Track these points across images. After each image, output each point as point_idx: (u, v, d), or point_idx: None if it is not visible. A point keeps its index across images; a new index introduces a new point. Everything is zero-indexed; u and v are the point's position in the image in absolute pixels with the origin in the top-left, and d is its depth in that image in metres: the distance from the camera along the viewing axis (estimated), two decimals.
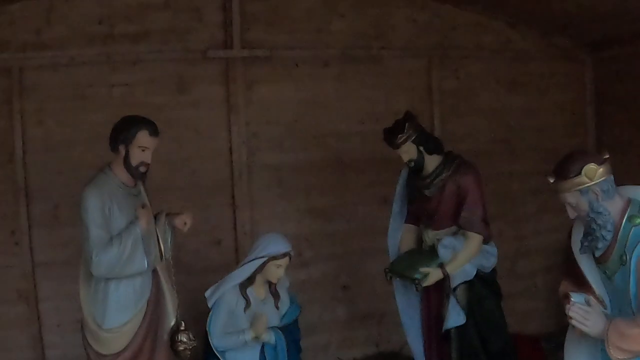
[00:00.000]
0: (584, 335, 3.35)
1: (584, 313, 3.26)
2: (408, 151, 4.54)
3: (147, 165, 3.77)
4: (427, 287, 4.67)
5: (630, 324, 3.14)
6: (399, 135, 4.49)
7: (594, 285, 3.43)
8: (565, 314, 3.32)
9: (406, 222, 4.85)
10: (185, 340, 3.99)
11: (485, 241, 4.59)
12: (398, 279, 4.73)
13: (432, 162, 4.60)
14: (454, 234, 4.59)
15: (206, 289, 4.52)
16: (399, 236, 4.84)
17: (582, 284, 3.49)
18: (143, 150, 3.73)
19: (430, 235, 4.68)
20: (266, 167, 5.46)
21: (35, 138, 5.22)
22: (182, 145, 5.27)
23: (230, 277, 4.42)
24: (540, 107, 6.12)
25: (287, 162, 5.53)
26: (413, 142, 4.52)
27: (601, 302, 3.41)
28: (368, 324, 5.74)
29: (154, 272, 3.85)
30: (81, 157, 5.21)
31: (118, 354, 3.73)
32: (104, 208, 3.66)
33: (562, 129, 6.09)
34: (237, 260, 5.36)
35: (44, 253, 5.29)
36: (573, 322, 3.25)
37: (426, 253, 4.66)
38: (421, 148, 4.55)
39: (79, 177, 5.17)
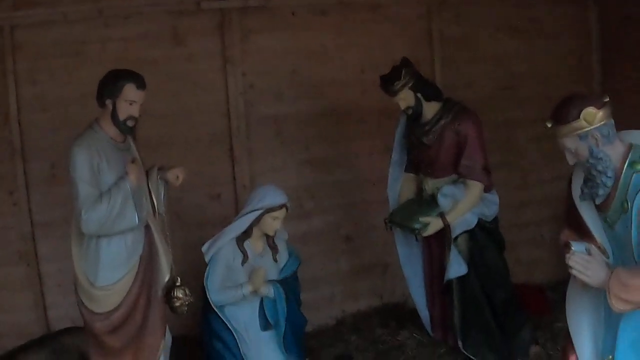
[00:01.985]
0: (585, 285, 3.26)
1: (584, 262, 3.11)
2: (405, 98, 4.40)
3: (134, 119, 3.64)
4: (428, 238, 4.59)
5: (632, 273, 2.99)
6: (396, 82, 4.35)
7: (595, 234, 3.27)
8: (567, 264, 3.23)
9: (405, 171, 4.75)
10: (181, 296, 3.90)
11: (487, 189, 4.47)
12: (398, 229, 4.64)
13: (430, 109, 4.46)
14: (454, 182, 4.47)
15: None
16: (399, 186, 4.73)
17: (583, 233, 3.34)
18: (130, 104, 3.58)
19: (430, 184, 4.56)
20: (264, 119, 5.29)
21: (30, 97, 5.03)
22: (179, 99, 5.10)
23: (227, 231, 4.32)
24: (544, 54, 5.89)
25: (285, 113, 5.35)
26: (410, 88, 4.38)
27: (603, 251, 3.28)
28: (372, 276, 5.62)
29: (147, 227, 3.74)
30: (77, 115, 5.00)
31: (112, 311, 3.64)
32: (92, 164, 3.53)
33: (566, 76, 5.87)
34: (236, 214, 5.25)
35: (43, 213, 5.15)
36: (573, 271, 3.12)
37: (426, 202, 4.55)
38: (419, 95, 4.41)
39: (75, 135, 5.18)
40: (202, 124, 5.21)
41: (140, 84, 3.61)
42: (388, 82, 4.39)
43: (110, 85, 3.60)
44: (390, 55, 5.13)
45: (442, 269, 4.61)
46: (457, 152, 4.42)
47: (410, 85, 4.37)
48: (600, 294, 3.30)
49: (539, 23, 5.88)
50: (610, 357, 3.24)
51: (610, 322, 3.28)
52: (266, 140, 5.32)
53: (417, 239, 4.50)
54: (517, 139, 5.80)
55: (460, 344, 4.57)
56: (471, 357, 4.57)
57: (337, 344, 5.12)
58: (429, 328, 4.88)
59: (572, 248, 3.16)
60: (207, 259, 4.31)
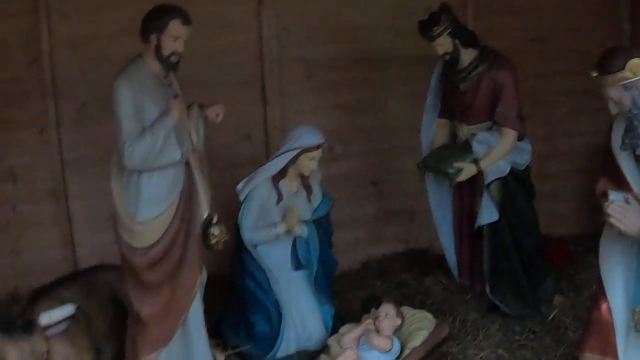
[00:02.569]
0: (620, 235, 3.29)
1: (622, 210, 3.15)
2: (443, 44, 4.37)
3: (179, 55, 3.64)
4: (460, 184, 4.59)
5: None
6: (435, 28, 4.32)
7: (632, 184, 3.32)
8: (601, 213, 3.24)
9: (439, 116, 4.72)
10: (217, 232, 3.92)
11: (520, 137, 4.47)
12: (431, 173, 4.67)
13: (467, 55, 4.43)
14: (489, 129, 4.46)
15: (236, 184, 4.45)
16: (432, 131, 4.73)
17: (620, 183, 3.37)
18: (175, 40, 3.55)
19: (464, 130, 4.55)
20: (297, 62, 5.25)
21: (62, 34, 5.00)
22: (212, 40, 5.06)
23: (263, 170, 4.34)
24: (575, 7, 5.85)
25: (317, 56, 5.30)
26: (448, 34, 4.33)
27: None
28: (397, 222, 5.65)
29: (187, 164, 3.75)
30: (109, 53, 5.02)
31: (151, 246, 3.66)
32: (135, 99, 3.52)
33: (597, 30, 5.82)
34: (267, 155, 5.22)
35: (73, 151, 5.19)
36: (611, 219, 3.15)
37: (460, 148, 4.54)
38: (457, 41, 4.38)
39: (107, 74, 5.08)
40: (234, 65, 5.17)
41: (186, 19, 3.58)
42: (427, 27, 4.35)
43: (155, 20, 3.57)
44: (423, 2, 5.10)
45: (472, 215, 4.64)
46: (492, 100, 4.39)
47: (448, 31, 4.32)
48: (633, 245, 3.37)
49: None
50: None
51: None
52: (297, 83, 5.29)
53: (450, 184, 4.52)
54: (544, 91, 5.76)
55: (487, 289, 4.62)
56: (497, 303, 4.64)
57: (362, 287, 5.16)
58: (455, 274, 4.92)
59: (610, 197, 3.20)
60: (241, 198, 4.33)
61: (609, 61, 3.15)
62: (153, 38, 3.60)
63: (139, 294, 3.77)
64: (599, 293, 3.56)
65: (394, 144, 5.50)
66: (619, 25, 5.95)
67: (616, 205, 3.16)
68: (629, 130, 3.24)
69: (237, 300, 4.50)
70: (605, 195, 3.33)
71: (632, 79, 3.10)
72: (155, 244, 3.67)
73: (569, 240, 5.65)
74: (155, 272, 3.71)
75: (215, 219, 3.92)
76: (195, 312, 3.91)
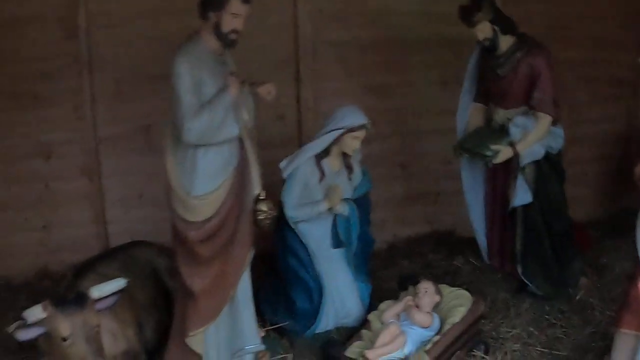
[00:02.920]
0: None
1: None
2: (483, 30, 4.47)
3: (237, 32, 3.70)
4: (493, 167, 4.72)
5: None
6: (476, 14, 4.42)
7: None
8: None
9: (475, 100, 4.83)
10: (265, 209, 3.98)
11: (554, 122, 4.60)
12: (467, 155, 4.79)
13: (505, 41, 4.53)
14: (524, 113, 4.59)
15: (269, 164, 4.51)
16: (467, 114, 4.85)
17: None
18: (235, 17, 3.63)
19: (500, 114, 4.66)
20: (330, 44, 5.32)
21: (98, 12, 5.04)
22: (247, 20, 5.16)
23: (306, 149, 4.41)
24: None
25: (350, 39, 5.38)
26: (489, 21, 4.45)
27: None
28: (423, 203, 5.76)
29: (240, 140, 3.84)
30: (145, 30, 5.08)
31: (206, 221, 3.72)
32: (194, 75, 3.55)
33: (618, 19, 5.97)
34: (300, 135, 5.33)
35: (107, 128, 5.24)
36: None
37: (496, 131, 4.65)
38: (496, 27, 4.49)
39: (142, 52, 5.19)
40: (269, 46, 5.22)
41: None
42: (468, 13, 4.44)
43: None
44: None
45: (505, 197, 4.76)
46: (529, 85, 4.51)
47: (489, 18, 4.43)
48: None
49: None
50: None
51: None
52: (330, 64, 5.36)
53: (487, 166, 4.64)
54: (567, 78, 5.88)
55: (519, 269, 4.76)
56: (528, 283, 4.78)
57: (390, 267, 5.27)
58: (485, 255, 5.04)
59: None
60: (284, 175, 4.40)
61: None
62: (212, 15, 3.64)
63: (191, 269, 3.83)
64: (636, 272, 3.70)
65: (421, 127, 5.60)
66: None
67: None
68: None
69: (275, 278, 4.59)
70: None
71: None
72: (210, 219, 3.74)
73: (588, 225, 5.79)
74: (208, 246, 3.78)
75: (262, 196, 3.99)
76: (244, 287, 3.99)
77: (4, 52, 5.02)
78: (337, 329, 4.53)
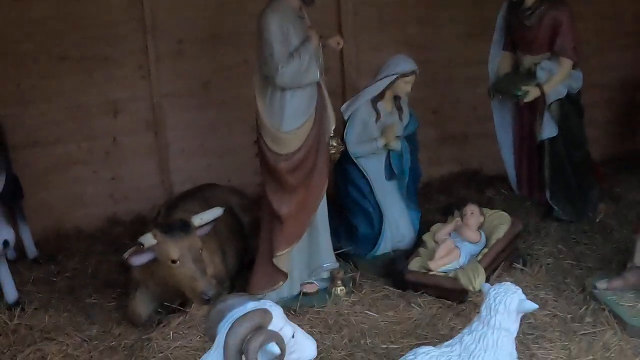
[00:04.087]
0: None
1: None
2: None
3: None
4: (520, 106, 5.75)
5: None
6: None
7: None
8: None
9: (503, 49, 5.84)
10: (335, 144, 4.95)
11: (574, 66, 5.61)
12: (500, 96, 5.78)
13: None
14: (549, 58, 5.60)
15: None
16: (498, 61, 5.85)
17: None
18: None
19: (528, 60, 5.66)
20: (367, 3, 6.25)
21: None
22: None
23: (364, 93, 5.36)
24: None
25: None
26: None
27: None
28: (454, 145, 6.77)
29: (317, 84, 4.76)
30: None
31: (294, 152, 4.64)
32: (282, 28, 4.45)
33: None
34: (342, 87, 6.29)
35: (169, 85, 6.11)
36: None
37: (524, 75, 5.66)
38: None
39: (201, 14, 6.08)
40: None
41: None
42: None
43: None
44: None
45: (531, 133, 5.80)
46: (552, 34, 5.50)
47: None
48: None
49: None
50: None
51: None
52: (369, 21, 6.29)
53: (519, 104, 5.64)
54: (579, 30, 6.87)
55: (548, 194, 5.79)
56: (555, 207, 5.81)
57: (428, 202, 6.24)
58: (514, 185, 6.09)
59: None
60: (345, 117, 5.35)
61: None
62: None
63: (279, 196, 4.76)
64: None
65: (451, 76, 6.55)
66: None
67: None
68: None
69: (336, 209, 5.54)
70: None
71: None
72: (297, 150, 4.66)
73: (600, 163, 6.81)
74: (294, 175, 4.71)
75: (331, 133, 4.93)
76: (322, 212, 4.95)
77: (73, 18, 5.87)
78: (394, 251, 5.51)
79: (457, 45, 6.54)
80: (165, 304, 4.89)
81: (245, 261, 5.39)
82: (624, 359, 4.23)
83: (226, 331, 2.98)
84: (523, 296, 3.75)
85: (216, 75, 6.17)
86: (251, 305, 3.10)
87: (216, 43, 6.07)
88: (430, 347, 3.80)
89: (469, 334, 3.76)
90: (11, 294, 5.14)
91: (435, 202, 6.25)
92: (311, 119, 4.70)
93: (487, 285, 3.87)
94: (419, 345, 4.07)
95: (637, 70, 7.07)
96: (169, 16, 6.00)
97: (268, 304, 3.13)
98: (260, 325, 3.00)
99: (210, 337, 3.23)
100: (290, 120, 4.64)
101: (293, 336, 3.13)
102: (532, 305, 3.72)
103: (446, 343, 3.85)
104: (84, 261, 5.78)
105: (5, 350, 4.65)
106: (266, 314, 3.04)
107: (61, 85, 5.94)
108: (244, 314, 3.01)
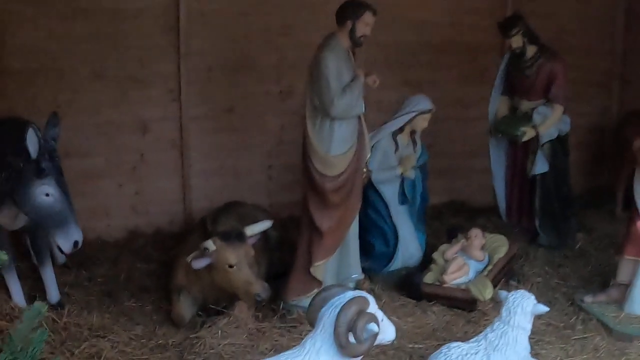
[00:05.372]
0: None
1: None
2: (517, 41, 6.73)
3: (365, 37, 5.70)
4: (514, 145, 7.01)
5: None
6: (513, 29, 6.69)
7: None
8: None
9: (502, 94, 7.11)
10: (365, 170, 6.06)
11: (564, 112, 6.94)
12: (499, 135, 7.03)
13: (531, 50, 6.80)
14: (544, 104, 6.87)
15: None
16: (497, 104, 7.11)
17: None
18: (366, 26, 5.66)
19: (525, 105, 6.94)
20: (375, 45, 7.18)
21: (195, 9, 6.90)
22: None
23: (386, 127, 6.51)
24: (582, 13, 8.32)
25: (392, 42, 7.53)
26: (522, 34, 6.73)
27: None
28: (445, 177, 7.93)
29: (359, 116, 5.82)
30: (233, 28, 7.01)
31: (339, 175, 5.64)
32: (337, 66, 5.49)
33: (594, 32, 8.41)
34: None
35: (196, 109, 7.08)
36: None
37: (522, 118, 6.93)
38: (525, 39, 6.78)
39: (230, 45, 7.10)
40: None
41: (375, 12, 5.66)
42: (507, 28, 6.71)
43: (353, 10, 5.61)
44: (472, 4, 7.47)
45: (523, 168, 7.07)
46: (548, 83, 6.79)
47: (522, 32, 6.71)
48: None
49: None
50: None
51: None
52: (375, 62, 7.38)
53: (517, 142, 6.88)
54: None
55: (537, 223, 7.06)
56: (542, 235, 7.07)
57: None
58: (503, 214, 7.34)
59: None
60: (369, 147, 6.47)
61: None
62: (349, 23, 5.63)
63: (322, 212, 5.75)
64: (634, 213, 5.97)
65: (447, 115, 7.72)
66: (615, 34, 8.58)
67: None
68: None
69: None
70: None
71: None
72: (342, 173, 5.68)
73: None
74: (338, 194, 5.72)
75: (367, 159, 6.01)
76: (354, 228, 5.99)
77: (112, 38, 6.77)
78: (405, 267, 6.61)
79: (452, 88, 7.80)
80: (210, 307, 5.79)
81: (271, 273, 6.34)
82: (612, 357, 5.41)
83: (335, 313, 3.97)
84: (535, 300, 4.92)
85: (239, 102, 7.20)
86: (351, 293, 4.11)
87: (241, 72, 7.11)
88: (460, 343, 4.92)
89: (491, 332, 4.90)
90: (54, 295, 5.93)
91: (429, 228, 7.38)
92: (354, 145, 5.76)
93: (505, 292, 5.03)
94: (440, 345, 5.13)
95: (604, 117, 8.53)
96: (201, 44, 6.99)
97: (364, 293, 4.16)
98: (362, 309, 4.01)
99: (310, 321, 4.21)
100: (338, 145, 5.68)
101: (382, 320, 4.15)
102: (544, 308, 4.90)
103: (472, 339, 4.98)
104: (113, 268, 6.62)
105: (58, 346, 5.37)
106: (366, 300, 4.06)
107: (95, 101, 6.83)
108: (351, 299, 4.01)
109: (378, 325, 4.03)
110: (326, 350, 3.94)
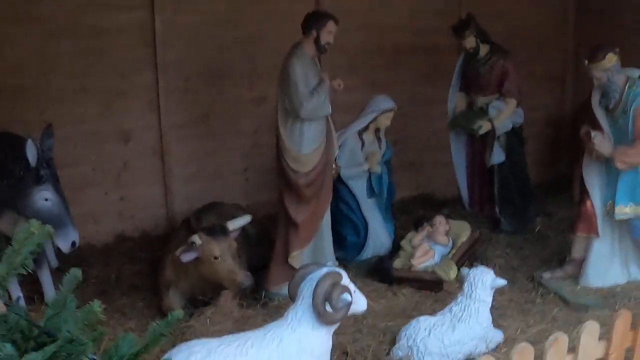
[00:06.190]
0: (598, 157, 6.54)
1: (601, 139, 6.48)
2: (470, 42, 7.62)
3: (329, 44, 6.52)
4: (473, 138, 7.89)
5: (629, 146, 6.40)
6: (466, 31, 7.57)
7: (604, 127, 6.61)
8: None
9: (460, 90, 7.99)
10: (334, 166, 6.90)
11: (518, 105, 7.82)
12: (458, 129, 7.90)
13: (484, 49, 7.70)
14: (498, 99, 7.77)
15: None
16: (455, 101, 8.00)
17: (596, 127, 6.67)
18: (329, 34, 6.47)
19: (480, 100, 7.82)
20: (341, 50, 8.04)
21: (172, 22, 7.67)
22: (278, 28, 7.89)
23: (353, 125, 7.35)
24: (535, 14, 9.23)
25: (357, 46, 8.37)
26: (474, 35, 7.61)
27: (608, 138, 6.64)
28: (411, 171, 8.80)
29: (326, 117, 6.64)
30: (206, 39, 7.80)
31: (311, 170, 6.47)
32: (304, 72, 6.33)
33: (550, 28, 9.37)
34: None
35: (175, 117, 7.86)
36: (595, 145, 6.45)
37: (478, 112, 7.82)
38: (478, 39, 7.66)
39: (205, 55, 7.90)
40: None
41: (337, 20, 6.48)
42: (460, 30, 7.58)
43: (317, 20, 6.44)
44: (430, 5, 8.36)
45: (482, 160, 7.95)
46: (501, 79, 7.69)
47: (474, 32, 7.59)
48: (603, 163, 6.62)
49: None
50: (610, 201, 6.62)
51: (610, 180, 6.64)
52: (340, 66, 8.22)
53: (475, 135, 7.75)
54: None
55: (497, 209, 7.94)
56: (502, 220, 7.95)
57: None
58: (466, 203, 8.22)
59: (592, 134, 6.49)
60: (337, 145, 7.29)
61: (595, 53, 6.42)
62: (314, 32, 6.44)
63: (296, 206, 6.59)
64: (584, 195, 6.83)
65: (410, 112, 8.52)
66: (567, 30, 9.53)
67: (598, 137, 6.46)
68: (604, 95, 6.52)
69: None
70: (588, 134, 6.60)
71: (608, 65, 6.39)
72: (313, 169, 6.51)
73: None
74: (310, 189, 6.56)
75: (335, 156, 6.85)
76: (327, 219, 6.82)
77: (93, 55, 7.53)
78: (374, 256, 7.44)
79: (413, 87, 8.69)
80: (198, 299, 6.57)
81: (251, 266, 7.11)
82: (569, 325, 6.21)
83: (312, 286, 4.78)
84: (494, 275, 5.77)
85: (215, 108, 8.02)
86: (326, 269, 4.92)
87: (216, 80, 7.92)
88: (429, 316, 5.77)
89: (455, 305, 5.77)
90: (51, 295, 6.67)
91: (398, 220, 8.21)
92: (323, 144, 6.60)
93: (466, 269, 5.89)
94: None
95: (560, 109, 9.46)
96: (177, 56, 7.78)
97: (338, 268, 4.98)
98: (336, 282, 4.82)
99: (291, 296, 5.01)
100: (309, 144, 6.51)
101: (355, 292, 4.96)
102: (502, 282, 5.75)
103: (439, 312, 5.85)
104: (104, 270, 7.37)
105: None
106: (339, 274, 4.87)
107: (80, 114, 7.56)
108: (325, 274, 4.82)
109: (351, 296, 4.85)
110: (306, 319, 4.75)
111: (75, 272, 3.33)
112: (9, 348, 2.82)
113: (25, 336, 3.10)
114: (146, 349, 3.13)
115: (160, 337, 3.15)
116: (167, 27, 7.71)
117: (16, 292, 6.39)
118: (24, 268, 2.97)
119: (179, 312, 3.25)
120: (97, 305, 2.92)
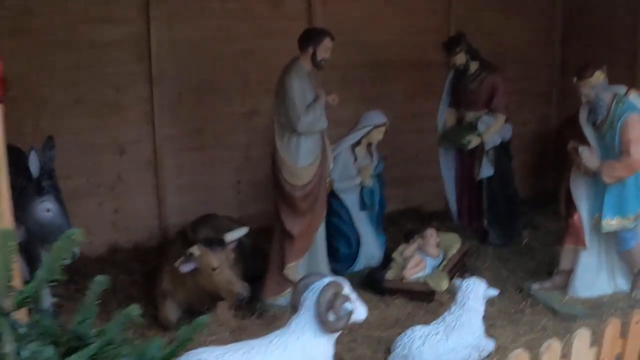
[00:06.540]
0: (586, 171, 6.85)
1: (588, 153, 6.81)
2: (460, 58, 7.93)
3: (326, 60, 6.80)
4: (462, 152, 8.19)
5: (616, 160, 6.72)
6: (457, 48, 7.88)
7: (591, 142, 6.93)
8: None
9: (449, 106, 8.30)
10: (328, 180, 7.15)
11: (506, 120, 8.14)
12: (448, 144, 8.20)
13: (473, 66, 8.01)
14: (486, 114, 8.08)
15: None
16: (444, 116, 8.30)
17: (583, 142, 6.99)
18: (326, 50, 6.76)
19: (470, 116, 8.12)
20: (333, 66, 8.10)
21: (165, 38, 7.94)
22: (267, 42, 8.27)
23: (346, 140, 7.62)
24: (523, 33, 9.69)
25: (349, 62, 8.66)
26: (464, 52, 7.93)
27: (595, 152, 6.96)
28: (399, 186, 9.07)
29: (322, 132, 6.90)
30: (199, 53, 8.08)
31: (307, 184, 6.72)
32: (301, 87, 6.59)
33: (536, 47, 9.75)
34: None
35: (169, 130, 8.11)
36: (583, 160, 6.77)
37: (467, 127, 8.12)
38: (468, 56, 7.98)
39: (201, 71, 8.16)
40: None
41: (333, 37, 6.77)
42: (450, 46, 7.89)
43: (314, 37, 6.72)
44: (419, 23, 8.67)
45: (471, 173, 8.24)
46: (490, 95, 8.00)
47: (464, 49, 7.91)
48: (592, 177, 6.95)
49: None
50: (597, 214, 6.93)
51: (597, 193, 6.95)
52: (332, 82, 8.46)
53: (464, 149, 8.05)
54: None
55: (485, 222, 8.25)
56: (490, 233, 8.25)
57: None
58: (455, 216, 8.51)
59: (580, 149, 6.81)
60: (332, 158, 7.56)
61: (584, 71, 6.75)
62: (310, 49, 6.72)
63: (292, 219, 6.83)
64: (571, 208, 7.15)
65: (399, 127, 8.77)
66: (553, 48, 9.91)
67: (585, 152, 6.79)
68: (591, 111, 6.85)
69: None
70: (575, 149, 6.92)
71: (596, 82, 6.71)
72: (309, 182, 6.77)
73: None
74: (305, 202, 6.81)
75: (330, 170, 7.12)
76: (321, 232, 7.08)
77: (88, 69, 7.77)
78: (366, 268, 7.71)
79: (404, 103, 9.02)
80: (194, 310, 6.79)
81: (247, 277, 7.33)
82: (558, 334, 6.48)
83: (316, 296, 5.03)
84: (486, 286, 6.06)
85: (208, 122, 8.28)
86: (328, 279, 5.17)
87: (209, 94, 8.19)
88: (423, 325, 6.04)
89: (449, 315, 6.04)
90: (47, 301, 6.85)
91: (388, 233, 8.48)
92: (318, 157, 6.86)
93: (459, 280, 6.17)
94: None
95: (546, 124, 9.82)
96: (171, 70, 8.04)
97: (339, 278, 5.24)
98: (338, 291, 5.08)
99: (294, 305, 5.25)
100: (305, 157, 6.77)
101: (355, 301, 5.22)
102: (494, 292, 6.04)
103: (433, 322, 6.11)
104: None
105: None
106: (341, 284, 5.13)
107: (75, 126, 7.78)
108: (328, 284, 5.07)
109: (352, 305, 5.10)
110: (309, 327, 4.98)
111: (101, 279, 3.53)
112: (50, 351, 3.03)
113: (57, 340, 3.31)
114: (173, 353, 3.35)
115: (187, 341, 3.36)
116: (162, 42, 7.97)
117: (48, 298, 6.59)
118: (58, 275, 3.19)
119: (203, 318, 3.46)
120: (135, 309, 3.13)
